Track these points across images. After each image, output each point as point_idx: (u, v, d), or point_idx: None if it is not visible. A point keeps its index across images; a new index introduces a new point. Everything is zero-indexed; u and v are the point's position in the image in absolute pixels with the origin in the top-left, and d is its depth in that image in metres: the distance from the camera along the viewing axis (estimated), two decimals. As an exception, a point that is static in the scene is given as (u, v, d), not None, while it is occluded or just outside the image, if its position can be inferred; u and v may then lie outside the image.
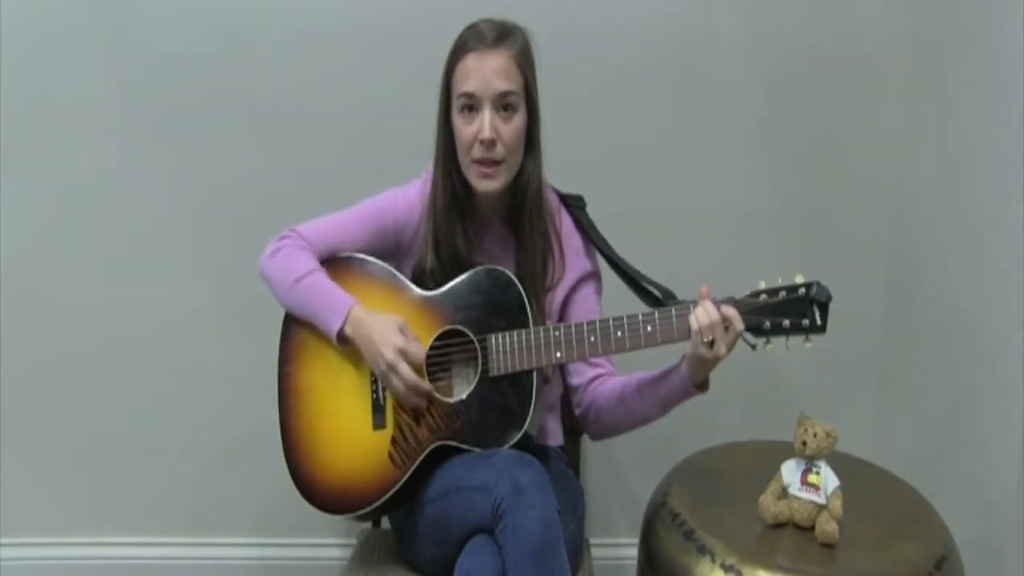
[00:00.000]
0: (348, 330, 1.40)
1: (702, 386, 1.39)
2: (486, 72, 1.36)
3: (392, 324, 1.38)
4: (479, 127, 1.37)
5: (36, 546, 2.07)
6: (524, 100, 1.39)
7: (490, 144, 1.37)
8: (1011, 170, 1.54)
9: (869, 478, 1.58)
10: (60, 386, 2.00)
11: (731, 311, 1.29)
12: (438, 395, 1.40)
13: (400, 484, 1.39)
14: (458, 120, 1.39)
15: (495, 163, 1.39)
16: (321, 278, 1.44)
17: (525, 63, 1.39)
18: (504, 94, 1.37)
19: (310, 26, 1.83)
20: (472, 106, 1.38)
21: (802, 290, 1.28)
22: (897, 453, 1.89)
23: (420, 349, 1.39)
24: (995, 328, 1.60)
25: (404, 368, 1.35)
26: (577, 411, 1.55)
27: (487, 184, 1.40)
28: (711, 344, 1.29)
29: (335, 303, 1.41)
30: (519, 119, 1.39)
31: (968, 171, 1.70)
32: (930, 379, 1.83)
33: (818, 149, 1.92)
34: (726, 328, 1.29)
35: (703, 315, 1.29)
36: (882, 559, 1.34)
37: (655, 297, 1.43)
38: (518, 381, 1.37)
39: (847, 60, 1.87)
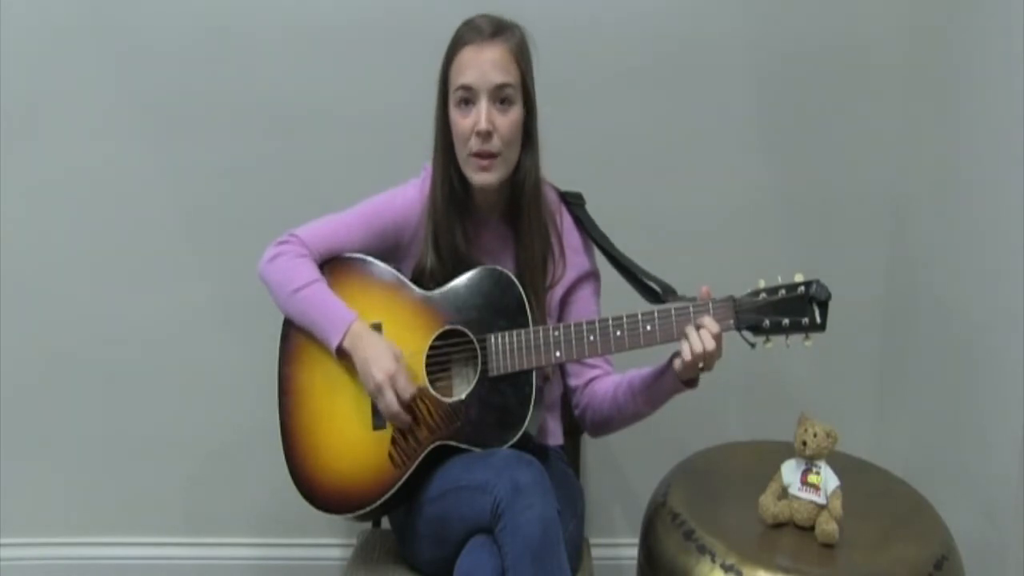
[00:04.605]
0: (347, 344, 1.40)
1: (691, 383, 1.39)
2: (483, 64, 1.36)
3: (388, 349, 1.38)
4: (476, 119, 1.37)
5: (36, 546, 2.07)
6: (521, 94, 1.40)
7: (486, 136, 1.37)
8: (1011, 170, 1.54)
9: (869, 478, 1.57)
10: (60, 386, 2.00)
11: (715, 328, 1.29)
12: (437, 395, 1.40)
13: (400, 484, 1.39)
14: (455, 113, 1.40)
15: (491, 156, 1.39)
16: (321, 290, 1.44)
17: (522, 58, 1.40)
18: (501, 87, 1.37)
19: (308, 25, 1.83)
20: (469, 99, 1.38)
21: (801, 288, 1.28)
22: (897, 453, 1.89)
23: (410, 385, 1.37)
24: (995, 328, 1.60)
25: (389, 395, 1.35)
26: (575, 412, 1.55)
27: (483, 177, 1.40)
28: (701, 368, 1.31)
29: (336, 317, 1.41)
30: (516, 113, 1.39)
31: (968, 171, 1.70)
32: (930, 379, 1.83)
33: (818, 148, 1.92)
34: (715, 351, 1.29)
35: (697, 344, 1.28)
36: (882, 559, 1.34)
37: (655, 292, 1.43)
38: (518, 381, 1.37)
39: (847, 59, 1.87)
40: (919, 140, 1.86)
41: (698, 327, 1.30)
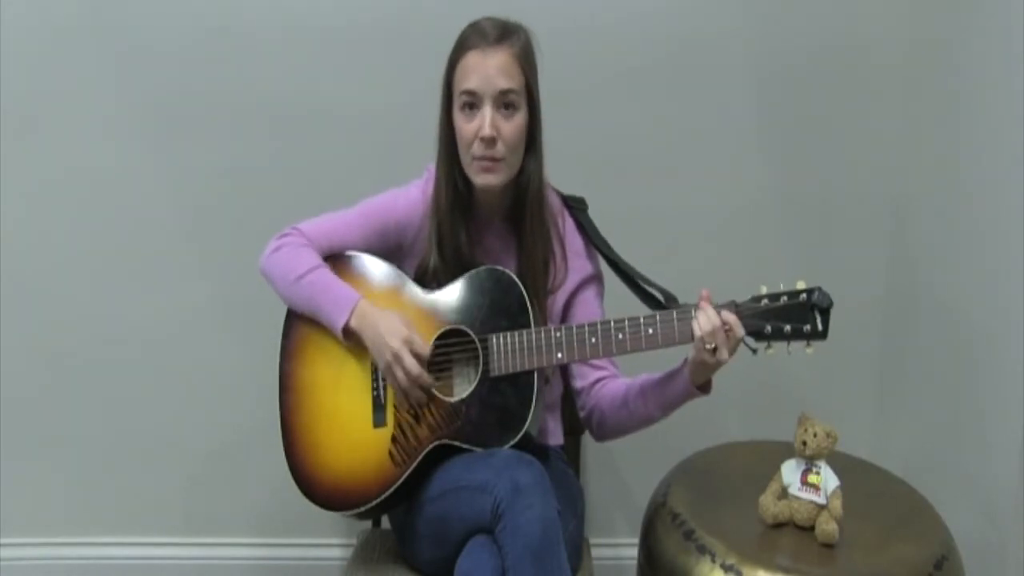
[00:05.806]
0: (354, 323, 1.40)
1: (704, 388, 1.39)
2: (487, 69, 1.36)
3: (398, 318, 1.39)
4: (480, 124, 1.36)
5: (36, 546, 2.07)
6: (525, 99, 1.39)
7: (490, 141, 1.37)
8: (1011, 170, 1.54)
9: (869, 478, 1.58)
10: (60, 386, 2.00)
11: (731, 317, 1.29)
12: (439, 394, 1.40)
13: (400, 482, 1.39)
14: (459, 117, 1.39)
15: (495, 160, 1.39)
16: (326, 273, 1.44)
17: (526, 62, 1.39)
18: (505, 92, 1.36)
19: (308, 25, 1.83)
20: (473, 104, 1.38)
21: (803, 296, 1.27)
22: (897, 453, 1.89)
23: (425, 345, 1.39)
24: (995, 328, 1.60)
25: (409, 359, 1.35)
26: (581, 414, 1.54)
27: (486, 178, 1.40)
28: (714, 350, 1.29)
29: (341, 297, 1.41)
30: (520, 118, 1.39)
31: (968, 171, 1.70)
32: (930, 379, 1.83)
33: (818, 149, 1.92)
34: (727, 333, 1.29)
35: (705, 321, 1.29)
36: (882, 559, 1.34)
37: (657, 300, 1.43)
38: (519, 382, 1.37)
39: (847, 59, 1.87)
40: (919, 140, 1.87)
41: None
